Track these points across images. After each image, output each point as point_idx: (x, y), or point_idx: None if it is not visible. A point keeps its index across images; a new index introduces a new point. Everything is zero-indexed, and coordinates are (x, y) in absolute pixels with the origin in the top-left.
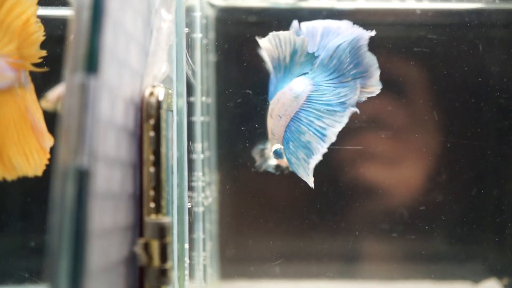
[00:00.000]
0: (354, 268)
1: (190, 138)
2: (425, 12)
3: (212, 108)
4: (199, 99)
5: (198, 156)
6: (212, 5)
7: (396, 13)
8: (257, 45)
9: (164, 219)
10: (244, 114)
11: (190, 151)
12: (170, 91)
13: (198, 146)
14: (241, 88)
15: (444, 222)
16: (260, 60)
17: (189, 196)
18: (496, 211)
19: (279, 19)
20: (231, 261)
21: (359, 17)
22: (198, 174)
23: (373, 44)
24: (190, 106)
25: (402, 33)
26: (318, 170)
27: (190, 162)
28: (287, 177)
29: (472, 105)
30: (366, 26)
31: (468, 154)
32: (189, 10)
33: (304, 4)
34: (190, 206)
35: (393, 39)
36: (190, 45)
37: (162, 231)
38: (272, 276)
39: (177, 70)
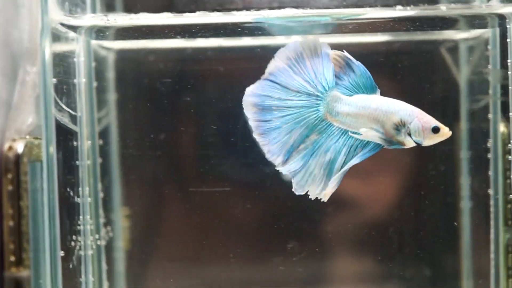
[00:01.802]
0: None
1: (76, 182)
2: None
3: (114, 148)
4: (85, 142)
5: (85, 200)
6: (107, 49)
7: None
8: (156, 85)
9: (23, 273)
10: (145, 152)
11: (77, 195)
12: (37, 142)
13: (85, 189)
14: (142, 128)
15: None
16: (156, 99)
17: (73, 241)
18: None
19: (179, 59)
20: None
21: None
22: (86, 217)
23: None
24: (74, 150)
25: None
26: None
27: (75, 206)
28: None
29: None
30: None
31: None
32: (68, 57)
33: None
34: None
35: None
36: (70, 92)
37: (19, 285)
38: None
39: (46, 119)
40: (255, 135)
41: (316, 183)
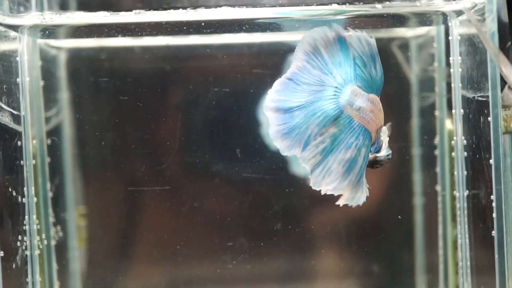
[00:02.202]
0: None
1: (20, 182)
2: None
3: (66, 147)
4: (30, 142)
5: (31, 200)
6: (57, 48)
7: None
8: (109, 83)
9: None
10: (98, 150)
11: (21, 195)
12: None
13: (30, 189)
14: (96, 126)
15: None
16: (109, 98)
17: (18, 241)
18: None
19: (132, 57)
20: None
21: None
22: (32, 217)
23: None
24: (18, 150)
25: None
26: None
27: (19, 206)
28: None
29: None
30: None
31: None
32: (9, 56)
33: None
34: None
35: None
36: (12, 91)
37: None
38: None
39: None
40: (277, 138)
41: (331, 178)
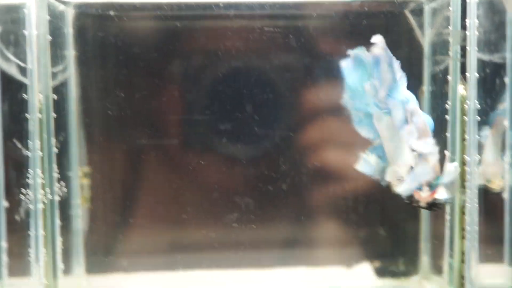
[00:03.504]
0: (222, 257)
1: (25, 135)
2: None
3: (71, 105)
4: (36, 96)
5: (35, 153)
6: (65, 2)
7: None
8: (118, 42)
9: None
10: (104, 110)
11: (26, 148)
12: None
13: (36, 143)
14: (103, 84)
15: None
16: (117, 57)
17: (22, 194)
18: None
19: (138, 14)
20: (100, 255)
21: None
22: (36, 171)
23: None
24: (24, 103)
25: None
26: None
27: (23, 158)
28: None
29: None
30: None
31: None
32: (18, 7)
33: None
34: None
35: None
36: (19, 43)
37: None
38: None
39: None
40: None
41: None
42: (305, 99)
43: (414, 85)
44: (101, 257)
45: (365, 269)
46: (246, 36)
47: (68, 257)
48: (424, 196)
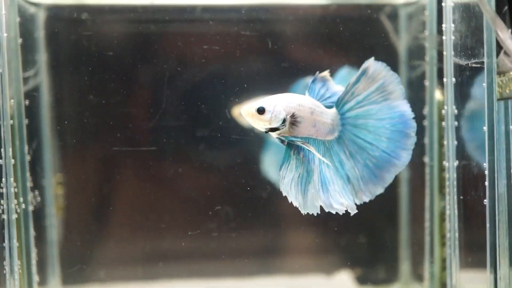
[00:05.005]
0: (208, 266)
1: None
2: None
3: (44, 111)
4: (7, 101)
5: (9, 161)
6: (36, 5)
7: None
8: (91, 44)
9: None
10: (78, 116)
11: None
12: None
13: (8, 150)
14: (73, 88)
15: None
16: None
17: None
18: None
19: (112, 17)
20: (76, 266)
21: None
22: (10, 179)
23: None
24: None
25: None
26: None
27: None
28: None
29: None
30: None
31: None
32: None
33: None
34: None
35: None
36: None
37: None
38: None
39: None
40: None
41: None
42: None
43: None
44: (77, 268)
45: (345, 277)
46: (222, 40)
47: (43, 268)
48: None
